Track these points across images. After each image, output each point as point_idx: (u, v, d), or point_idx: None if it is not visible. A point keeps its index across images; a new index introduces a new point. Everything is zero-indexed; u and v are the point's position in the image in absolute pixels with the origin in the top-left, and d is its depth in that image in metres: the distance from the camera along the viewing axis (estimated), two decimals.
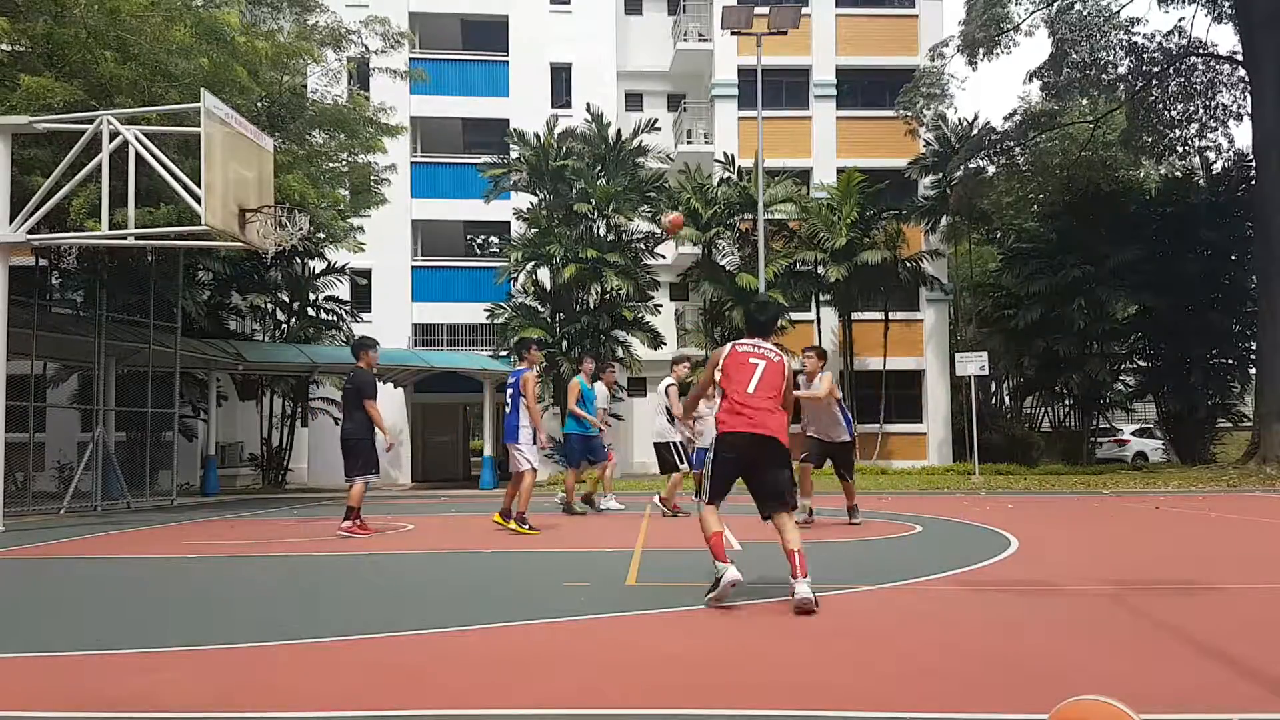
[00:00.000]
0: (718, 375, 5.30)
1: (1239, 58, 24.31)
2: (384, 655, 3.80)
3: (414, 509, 11.24)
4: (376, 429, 8.94)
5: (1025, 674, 3.40)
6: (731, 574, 4.72)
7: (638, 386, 26.92)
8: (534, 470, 9.29)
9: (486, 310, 24.00)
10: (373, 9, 19.13)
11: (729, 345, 5.38)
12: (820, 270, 24.49)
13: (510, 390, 9.46)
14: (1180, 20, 29.43)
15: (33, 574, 7.02)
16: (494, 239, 27.81)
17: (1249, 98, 23.69)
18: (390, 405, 21.28)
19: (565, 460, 10.47)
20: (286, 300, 23.33)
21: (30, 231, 10.52)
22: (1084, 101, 26.48)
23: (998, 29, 23.48)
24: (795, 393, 8.86)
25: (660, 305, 24.60)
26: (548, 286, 23.26)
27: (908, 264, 24.99)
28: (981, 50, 23.61)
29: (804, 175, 26.17)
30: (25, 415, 14.02)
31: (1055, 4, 23.93)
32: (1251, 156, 23.93)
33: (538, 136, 23.09)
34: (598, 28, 27.22)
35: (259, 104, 13.69)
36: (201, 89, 10.12)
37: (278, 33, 15.17)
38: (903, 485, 18.48)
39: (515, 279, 23.48)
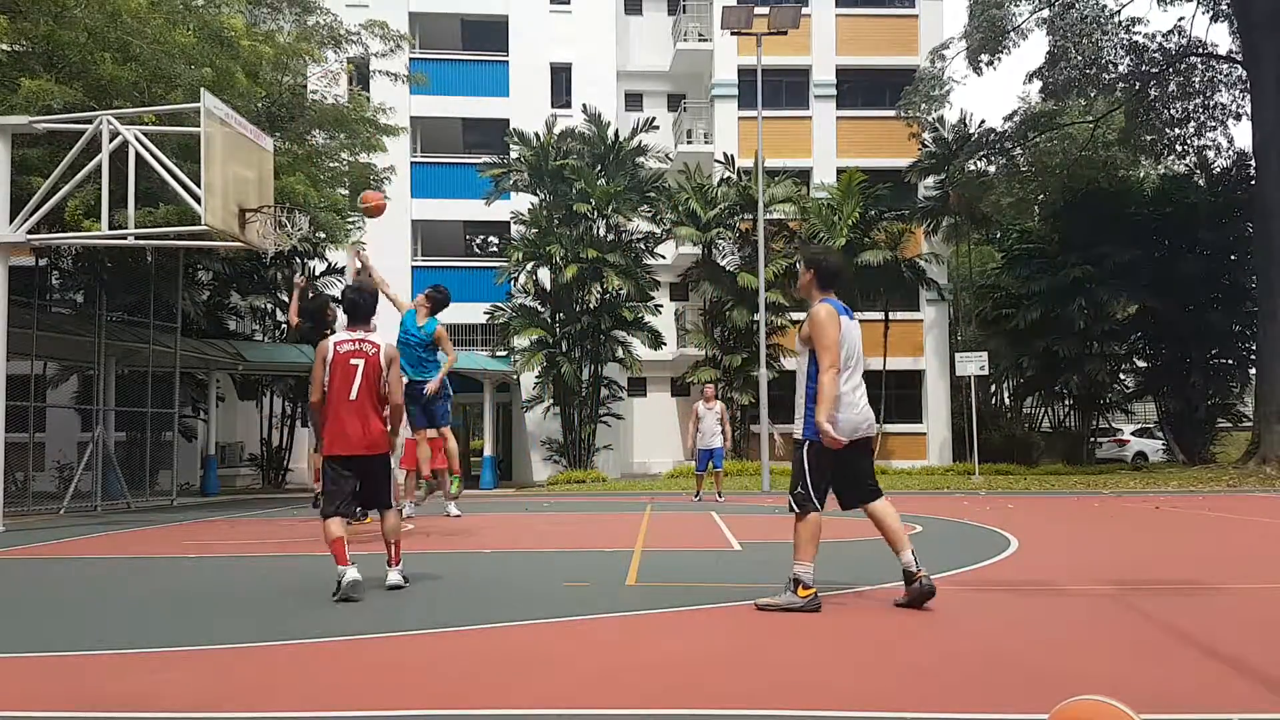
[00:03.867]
0: (325, 376, 5.17)
1: (1238, 58, 24.32)
2: (384, 655, 3.80)
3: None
4: None
5: (1025, 674, 3.40)
6: (351, 574, 5.00)
7: (638, 386, 26.94)
8: None
9: (486, 311, 24.01)
10: (373, 10, 19.14)
11: (330, 343, 5.23)
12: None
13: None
14: (1180, 20, 29.46)
15: (33, 574, 7.01)
16: (494, 239, 27.81)
17: (1248, 97, 23.71)
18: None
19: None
20: (286, 300, 23.33)
21: (30, 231, 10.53)
22: (1083, 101, 26.47)
23: (999, 30, 23.48)
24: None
25: (660, 305, 24.59)
26: (548, 287, 23.26)
27: (907, 264, 24.99)
28: (984, 56, 23.60)
29: (804, 175, 26.16)
30: (25, 415, 14.02)
31: (1055, 4, 23.92)
32: (1251, 156, 23.94)
33: (538, 136, 23.09)
34: (598, 28, 27.20)
35: (259, 104, 13.70)
36: (202, 89, 10.12)
37: (278, 33, 15.17)
38: (903, 485, 18.48)
39: (515, 279, 23.49)
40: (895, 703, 3.01)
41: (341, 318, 5.70)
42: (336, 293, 23.92)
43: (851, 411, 4.70)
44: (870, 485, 4.81)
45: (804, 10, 24.60)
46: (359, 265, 9.03)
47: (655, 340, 23.28)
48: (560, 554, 7.68)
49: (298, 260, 22.50)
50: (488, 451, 22.86)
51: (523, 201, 24.28)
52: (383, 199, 9.01)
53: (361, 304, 5.38)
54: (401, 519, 9.90)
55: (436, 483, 9.93)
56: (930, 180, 27.19)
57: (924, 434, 26.89)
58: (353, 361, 5.15)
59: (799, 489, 4.69)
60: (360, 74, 18.02)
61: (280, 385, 22.96)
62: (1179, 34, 25.15)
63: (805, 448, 4.70)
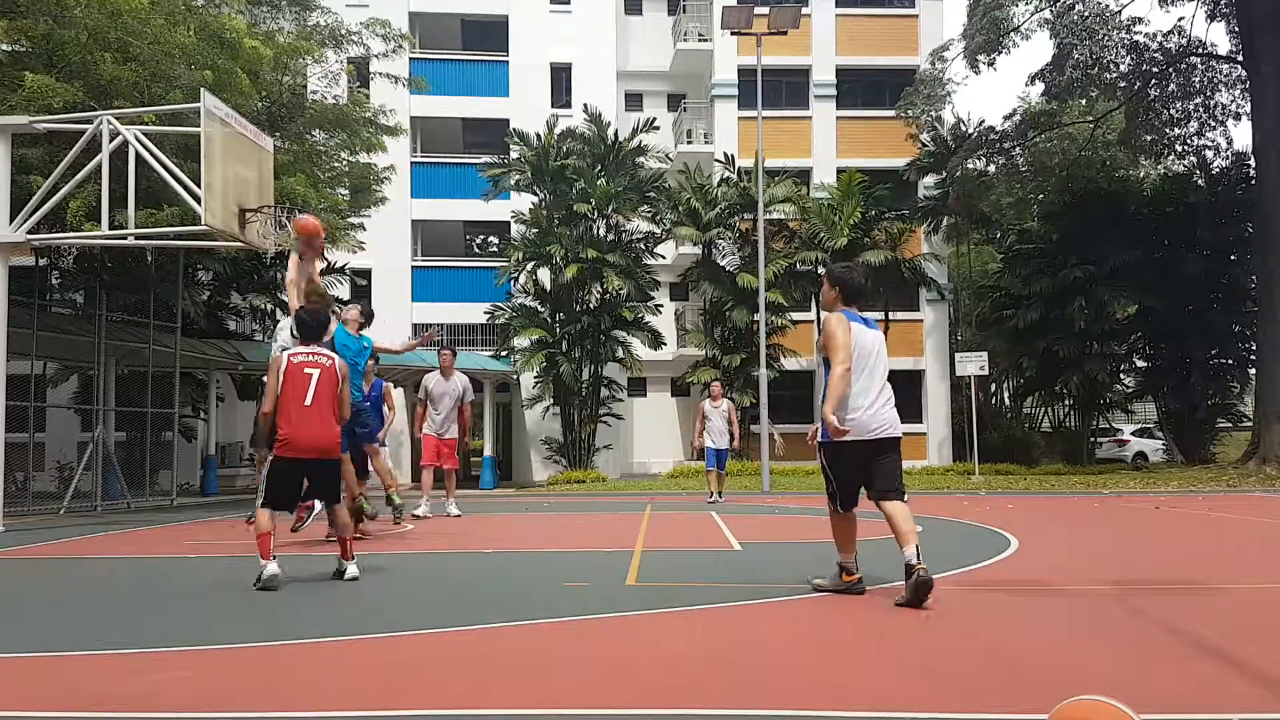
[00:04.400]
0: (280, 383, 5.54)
1: (1238, 58, 24.33)
2: (384, 655, 3.80)
3: (414, 509, 11.22)
4: None
5: (1025, 674, 3.40)
6: (271, 569, 5.34)
7: (638, 386, 26.94)
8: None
9: (486, 311, 24.01)
10: (373, 10, 19.14)
11: (285, 355, 5.64)
12: (821, 271, 24.47)
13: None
14: (1180, 20, 29.47)
15: (33, 574, 7.02)
16: (494, 239, 27.82)
17: (1248, 97, 23.72)
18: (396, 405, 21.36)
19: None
20: (286, 300, 23.29)
21: (30, 231, 10.52)
22: (1083, 102, 26.47)
23: (999, 31, 23.49)
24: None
25: (660, 305, 24.61)
26: (548, 287, 23.26)
27: (907, 264, 24.99)
28: (983, 57, 23.60)
29: (804, 175, 26.17)
30: (25, 415, 14.01)
31: (1056, 4, 23.93)
32: (1250, 156, 23.95)
33: (538, 136, 23.10)
34: (598, 28, 27.21)
35: (259, 104, 13.70)
36: (202, 89, 10.12)
37: (278, 33, 15.17)
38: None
39: (515, 279, 23.50)
40: (895, 703, 3.01)
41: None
42: (335, 291, 23.98)
43: (859, 413, 4.89)
44: (892, 484, 4.96)
45: (804, 10, 24.61)
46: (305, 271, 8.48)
47: (655, 340, 23.28)
48: (560, 554, 7.68)
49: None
50: (488, 451, 22.85)
51: (523, 201, 24.29)
52: (312, 222, 8.28)
53: (313, 323, 5.80)
54: (396, 515, 9.82)
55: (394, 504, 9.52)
56: (930, 180, 27.19)
57: (924, 434, 26.89)
58: (307, 370, 5.53)
59: (828, 488, 5.11)
60: (360, 74, 18.03)
61: None
62: (1179, 34, 25.15)
63: (820, 450, 5.04)
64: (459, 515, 10.97)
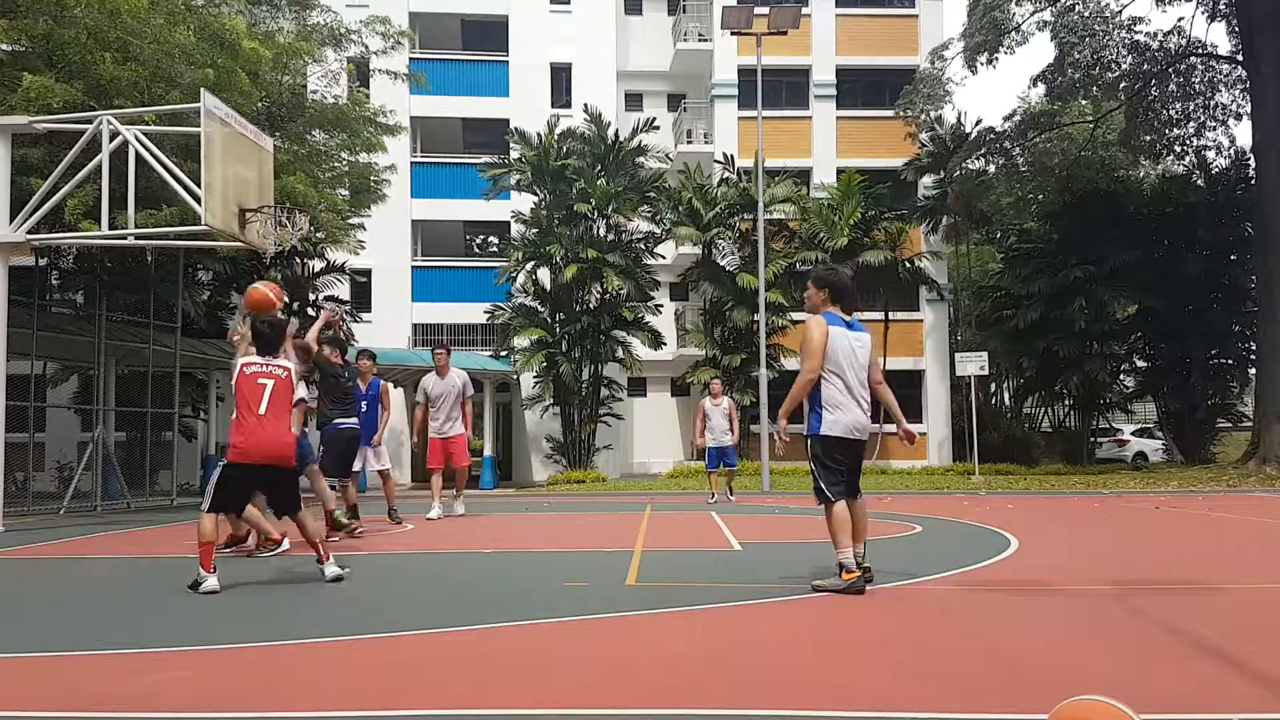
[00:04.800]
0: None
1: (1238, 58, 24.34)
2: (384, 655, 3.80)
3: (414, 509, 11.24)
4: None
5: (1025, 674, 3.40)
6: (211, 583, 5.33)
7: (638, 386, 26.94)
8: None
9: (486, 311, 24.01)
10: (373, 9, 19.14)
11: (239, 364, 5.78)
12: None
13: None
14: (1180, 20, 29.47)
15: (33, 574, 7.02)
16: (494, 239, 27.82)
17: (1248, 97, 23.72)
18: (392, 404, 21.36)
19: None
20: (286, 300, 23.31)
21: (30, 231, 10.52)
22: (1084, 102, 26.47)
23: (998, 31, 23.49)
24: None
25: (660, 305, 24.61)
26: (548, 286, 23.26)
27: (908, 264, 24.98)
28: (983, 56, 23.60)
29: (804, 175, 26.17)
30: (25, 415, 14.02)
31: (1056, 4, 23.94)
32: (1250, 156, 23.95)
33: (539, 136, 23.11)
34: (598, 28, 27.22)
35: (259, 104, 13.70)
36: (202, 89, 10.13)
37: (278, 33, 15.17)
38: (903, 485, 18.48)
39: (515, 279, 23.50)
40: (895, 703, 3.01)
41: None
42: (335, 291, 23.98)
43: (853, 411, 5.12)
44: (858, 484, 5.35)
45: (804, 10, 24.61)
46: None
47: (655, 340, 23.28)
48: (560, 554, 7.68)
49: (297, 260, 22.49)
50: (488, 451, 22.84)
51: (523, 201, 24.29)
52: (264, 294, 6.46)
53: (270, 335, 5.92)
54: (349, 531, 9.72)
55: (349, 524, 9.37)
56: (929, 180, 27.19)
57: (924, 434, 26.88)
58: (260, 380, 5.65)
59: (816, 484, 5.15)
60: (360, 74, 18.03)
61: None
62: (1179, 34, 25.14)
63: (808, 444, 5.16)
64: (463, 514, 10.98)
